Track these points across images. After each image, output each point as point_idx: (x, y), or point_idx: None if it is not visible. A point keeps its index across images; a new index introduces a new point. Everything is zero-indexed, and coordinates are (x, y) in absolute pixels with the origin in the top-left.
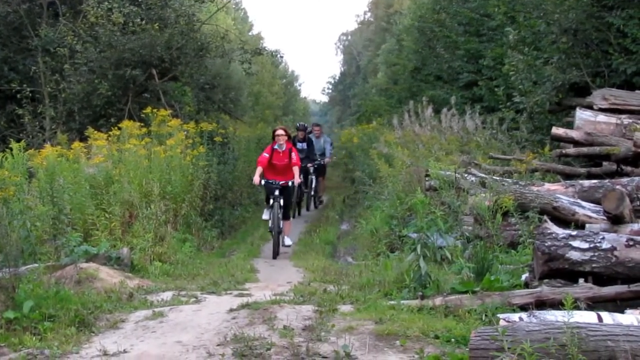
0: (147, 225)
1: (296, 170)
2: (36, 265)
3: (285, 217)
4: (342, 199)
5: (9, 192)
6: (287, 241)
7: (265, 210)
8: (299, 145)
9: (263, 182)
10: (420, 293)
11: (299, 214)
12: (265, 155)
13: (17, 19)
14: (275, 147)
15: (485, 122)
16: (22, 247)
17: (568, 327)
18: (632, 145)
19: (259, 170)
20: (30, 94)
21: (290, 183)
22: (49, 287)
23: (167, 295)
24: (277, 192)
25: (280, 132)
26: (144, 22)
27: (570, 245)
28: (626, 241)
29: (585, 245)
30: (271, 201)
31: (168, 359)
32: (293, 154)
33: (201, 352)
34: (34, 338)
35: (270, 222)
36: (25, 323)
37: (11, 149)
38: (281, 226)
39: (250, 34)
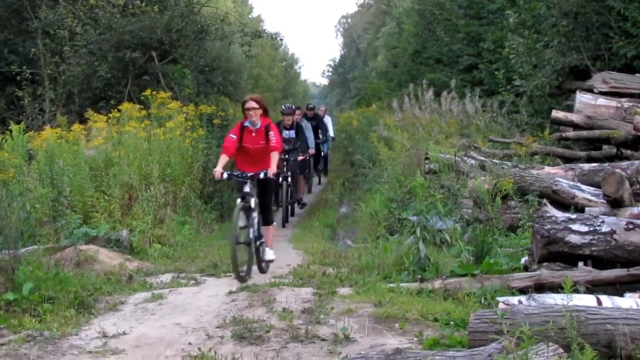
0: (147, 208)
1: (274, 157)
2: (36, 247)
3: (266, 221)
4: (342, 182)
5: (9, 174)
6: (269, 255)
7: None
8: (285, 133)
9: (225, 175)
10: (419, 276)
11: (288, 219)
12: (232, 137)
13: (16, 0)
14: (246, 124)
15: (485, 105)
16: (22, 229)
17: (567, 310)
18: (632, 128)
19: (223, 159)
20: (30, 76)
21: (262, 175)
22: (48, 269)
23: (167, 277)
24: (247, 188)
25: (251, 103)
26: (143, 4)
27: (570, 228)
28: (626, 225)
29: (585, 229)
30: (238, 201)
31: (167, 341)
32: (271, 134)
33: (200, 334)
34: (33, 320)
35: (234, 227)
36: (24, 305)
37: (11, 131)
38: (258, 236)
39: (250, 16)
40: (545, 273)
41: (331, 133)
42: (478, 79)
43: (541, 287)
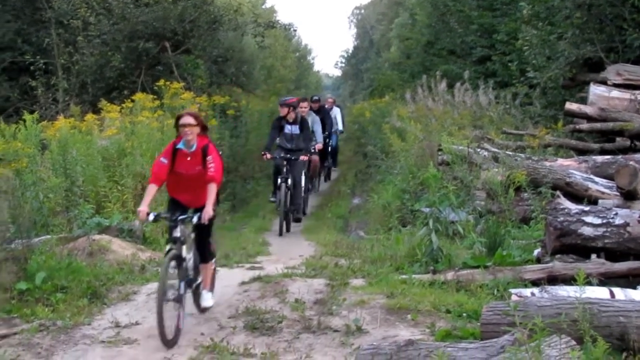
0: (160, 198)
1: (212, 191)
2: (48, 236)
3: (204, 257)
4: (354, 173)
5: (22, 164)
6: (206, 300)
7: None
8: (288, 128)
9: (152, 217)
10: (431, 267)
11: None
12: (162, 161)
13: None
14: (180, 145)
15: (498, 97)
16: (35, 219)
17: (580, 302)
18: None
19: (150, 191)
20: (44, 66)
21: (195, 219)
22: (61, 258)
23: None
24: (177, 232)
25: (186, 119)
26: None
27: (583, 220)
28: (639, 217)
29: (598, 221)
30: (167, 248)
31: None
32: (209, 158)
33: (213, 324)
34: (46, 309)
35: (161, 281)
36: (37, 294)
37: (24, 121)
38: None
39: (263, 7)
40: (558, 265)
41: (340, 126)
42: (491, 71)
43: (554, 279)
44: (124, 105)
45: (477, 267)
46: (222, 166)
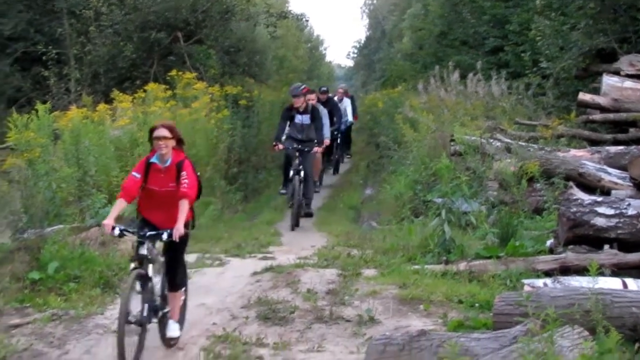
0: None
1: (183, 208)
2: (61, 226)
3: (173, 284)
4: (366, 163)
5: (35, 154)
6: (173, 330)
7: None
8: (298, 118)
9: (117, 231)
10: (444, 258)
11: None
12: (135, 176)
13: None
14: (153, 159)
15: (511, 87)
16: (47, 209)
17: (593, 293)
18: None
19: (119, 205)
20: (56, 56)
21: (165, 236)
22: (73, 248)
23: (191, 257)
24: (144, 250)
25: (161, 131)
26: None
27: (596, 211)
28: None
29: (611, 212)
30: (132, 266)
31: (192, 321)
32: (184, 174)
33: (225, 314)
34: (58, 299)
35: (123, 302)
36: (50, 284)
37: (37, 111)
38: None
39: None
40: (571, 256)
41: (350, 117)
42: (504, 61)
43: (566, 270)
44: (136, 95)
45: (490, 257)
46: (198, 185)
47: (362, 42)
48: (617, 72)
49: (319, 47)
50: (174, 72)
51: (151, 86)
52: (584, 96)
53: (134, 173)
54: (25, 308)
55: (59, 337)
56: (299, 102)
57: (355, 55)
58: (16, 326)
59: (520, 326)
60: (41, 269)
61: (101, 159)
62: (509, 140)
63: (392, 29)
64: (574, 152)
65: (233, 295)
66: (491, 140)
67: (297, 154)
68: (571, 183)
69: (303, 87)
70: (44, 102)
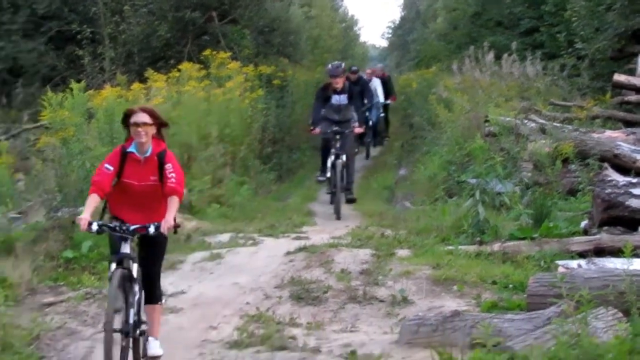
0: (206, 168)
1: (173, 204)
2: None
3: (150, 297)
4: (400, 144)
5: (69, 133)
6: (154, 349)
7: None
8: (335, 99)
9: (95, 226)
10: (478, 239)
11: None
12: (107, 168)
13: None
14: (130, 149)
15: (545, 68)
16: (82, 188)
17: (627, 274)
18: None
19: (92, 201)
20: (90, 35)
21: (152, 229)
22: None
23: (225, 237)
24: (126, 248)
25: (140, 116)
26: None
27: (631, 192)
28: None
29: None
30: (113, 267)
31: (225, 300)
32: (169, 167)
33: (258, 294)
34: (92, 277)
35: (109, 308)
36: (83, 262)
37: (71, 90)
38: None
39: None
40: (605, 237)
41: (380, 98)
42: (539, 42)
43: (601, 252)
44: (170, 74)
45: (524, 238)
46: (184, 177)
47: (397, 22)
48: None
49: (353, 27)
50: (208, 52)
51: (185, 66)
52: (619, 77)
53: (106, 165)
54: (59, 286)
55: (92, 315)
56: (339, 82)
57: (390, 36)
58: (50, 304)
59: (554, 307)
60: (75, 248)
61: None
62: (543, 121)
63: (427, 9)
64: (608, 133)
65: (266, 275)
66: (526, 121)
67: (336, 137)
68: (606, 164)
69: (342, 65)
70: (78, 81)
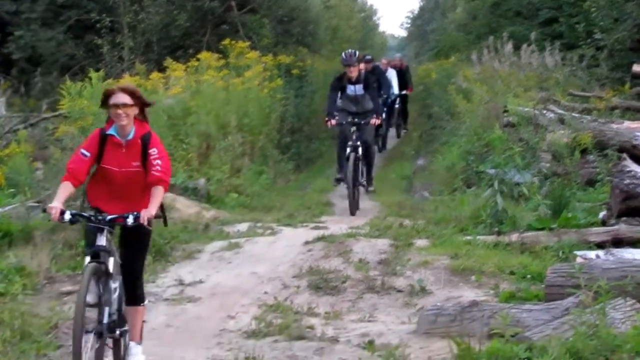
0: (224, 157)
1: (157, 194)
2: None
3: (133, 297)
4: (419, 134)
5: (87, 122)
6: (135, 355)
7: None
8: (350, 89)
9: (68, 215)
10: (496, 229)
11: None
12: (84, 154)
13: None
14: (110, 131)
15: (564, 58)
16: None
17: None
18: None
19: (65, 189)
20: (109, 24)
21: (131, 219)
22: None
23: (243, 226)
24: (102, 240)
25: (120, 97)
26: None
27: None
28: None
29: None
30: (87, 260)
31: (243, 289)
32: (153, 152)
33: (276, 283)
34: None
35: (79, 305)
36: None
37: (90, 79)
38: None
39: None
40: (624, 228)
41: (395, 90)
42: (558, 32)
43: (619, 242)
44: (189, 64)
45: (542, 229)
46: (170, 164)
47: (416, 12)
48: None
49: (372, 16)
50: (227, 41)
51: (204, 55)
52: (638, 68)
53: (82, 150)
54: (77, 275)
55: None
56: (354, 72)
57: (409, 26)
58: (68, 293)
59: (572, 298)
60: None
61: (154, 128)
62: (562, 112)
63: None
64: (627, 123)
65: (285, 265)
66: (544, 112)
67: (353, 128)
68: (624, 155)
69: (357, 54)
70: (97, 70)
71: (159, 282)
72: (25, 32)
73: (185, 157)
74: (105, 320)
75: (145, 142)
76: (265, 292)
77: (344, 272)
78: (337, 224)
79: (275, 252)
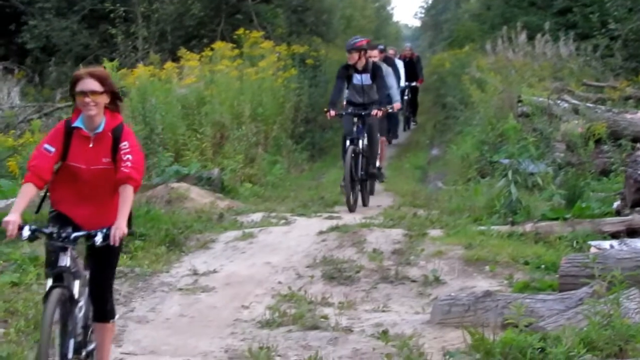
0: (238, 147)
1: (126, 197)
2: None
3: (102, 314)
4: (433, 124)
5: None
6: None
7: None
8: (357, 79)
9: (27, 231)
10: (510, 219)
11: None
12: (47, 149)
13: None
14: (77, 124)
15: (579, 48)
16: None
17: None
18: None
19: (26, 193)
20: (124, 14)
21: (100, 238)
22: (140, 206)
23: (257, 216)
24: (66, 261)
25: (88, 83)
26: None
27: None
28: None
29: None
30: (49, 283)
31: (257, 279)
32: (125, 145)
33: (290, 273)
34: (124, 257)
35: (45, 332)
36: None
37: (104, 68)
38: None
39: None
40: (638, 218)
41: (402, 82)
42: (572, 22)
43: (633, 232)
44: (203, 53)
45: (556, 219)
46: (144, 161)
47: (430, 2)
48: None
49: (386, 6)
50: (241, 31)
51: (218, 45)
52: None
53: (45, 146)
54: None
55: (124, 294)
56: (354, 59)
57: (423, 16)
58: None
59: (586, 288)
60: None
61: (168, 117)
62: (576, 102)
63: None
64: None
65: (299, 254)
66: (558, 102)
67: (355, 120)
68: (639, 145)
69: (358, 39)
70: (111, 60)
71: (173, 272)
72: (39, 21)
73: (199, 146)
74: (71, 354)
75: (117, 136)
76: (279, 282)
77: (358, 262)
78: (351, 214)
79: (289, 242)
